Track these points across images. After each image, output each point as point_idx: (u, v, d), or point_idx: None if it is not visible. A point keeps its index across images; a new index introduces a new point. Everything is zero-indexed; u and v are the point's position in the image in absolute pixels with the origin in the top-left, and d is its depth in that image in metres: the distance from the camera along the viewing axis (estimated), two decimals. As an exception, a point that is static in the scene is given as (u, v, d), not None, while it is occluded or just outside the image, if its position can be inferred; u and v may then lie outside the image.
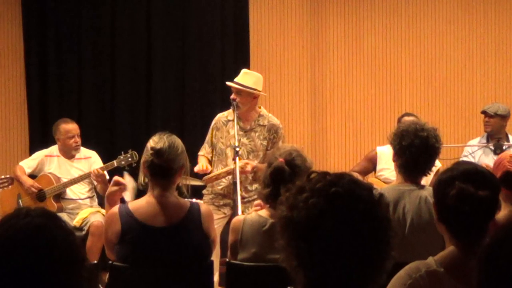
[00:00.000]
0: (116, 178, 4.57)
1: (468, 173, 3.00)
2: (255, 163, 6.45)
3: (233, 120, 6.55)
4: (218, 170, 6.64)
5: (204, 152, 6.83)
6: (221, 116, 6.85)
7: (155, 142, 4.32)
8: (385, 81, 9.07)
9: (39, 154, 7.80)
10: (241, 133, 6.61)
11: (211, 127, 6.87)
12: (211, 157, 6.81)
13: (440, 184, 3.01)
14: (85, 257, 2.11)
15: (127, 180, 4.77)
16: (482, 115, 8.06)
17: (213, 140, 6.82)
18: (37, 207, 2.15)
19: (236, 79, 6.74)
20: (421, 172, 4.57)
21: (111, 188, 4.52)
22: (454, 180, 2.95)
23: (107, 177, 7.35)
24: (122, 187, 4.53)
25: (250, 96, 6.68)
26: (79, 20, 8.66)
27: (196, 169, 6.65)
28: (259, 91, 6.73)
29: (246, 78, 6.74)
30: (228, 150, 6.65)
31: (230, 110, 6.68)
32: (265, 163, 4.80)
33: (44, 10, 8.64)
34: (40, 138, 8.48)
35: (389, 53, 9.07)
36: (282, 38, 8.98)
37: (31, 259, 1.97)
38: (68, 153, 7.70)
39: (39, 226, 2.03)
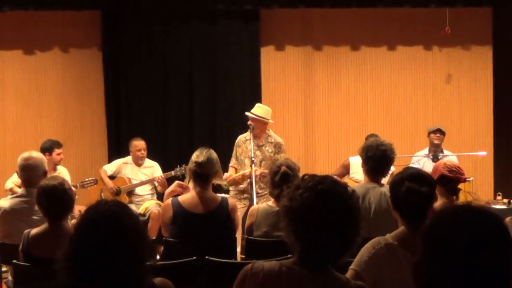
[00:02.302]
0: (179, 182, 4.62)
1: (414, 175, 3.00)
2: (263, 169, 6.44)
3: (250, 139, 6.58)
4: (237, 175, 6.68)
5: (232, 163, 6.86)
6: (241, 137, 6.87)
7: (197, 156, 4.33)
8: (355, 111, 9.04)
9: (118, 161, 7.82)
10: (255, 148, 6.62)
11: (235, 145, 6.90)
12: (237, 166, 6.83)
13: (394, 183, 3.01)
14: (147, 234, 2.12)
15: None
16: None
17: (237, 154, 6.84)
18: (113, 199, 2.16)
19: (252, 110, 6.76)
20: (381, 174, 4.57)
21: (176, 188, 4.55)
22: (404, 180, 2.95)
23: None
24: (186, 190, 4.55)
25: (261, 123, 6.70)
26: (142, 71, 8.64)
27: (223, 176, 6.71)
28: (267, 119, 6.75)
29: (258, 110, 6.77)
30: (246, 160, 6.66)
31: (248, 132, 6.70)
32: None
33: (118, 63, 8.64)
34: (115, 151, 8.45)
35: (358, 92, 9.04)
36: (284, 81, 8.96)
37: (108, 235, 1.99)
38: (137, 162, 7.72)
39: (114, 212, 2.05)
